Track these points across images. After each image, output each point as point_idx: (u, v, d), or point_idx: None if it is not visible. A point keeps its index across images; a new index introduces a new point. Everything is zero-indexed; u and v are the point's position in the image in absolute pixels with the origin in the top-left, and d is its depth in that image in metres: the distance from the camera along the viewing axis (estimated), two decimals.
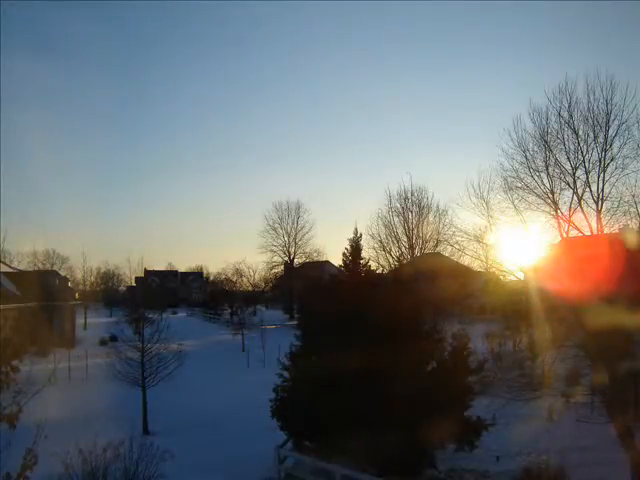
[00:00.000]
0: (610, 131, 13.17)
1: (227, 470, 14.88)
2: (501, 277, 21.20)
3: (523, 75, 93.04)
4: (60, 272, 58.11)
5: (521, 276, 15.33)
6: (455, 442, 14.18)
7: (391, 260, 38.86)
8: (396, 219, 39.93)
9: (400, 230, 39.62)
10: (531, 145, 14.09)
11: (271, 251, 65.24)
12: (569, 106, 13.48)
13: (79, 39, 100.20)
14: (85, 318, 59.19)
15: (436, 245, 38.72)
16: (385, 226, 39.76)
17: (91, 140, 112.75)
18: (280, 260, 65.88)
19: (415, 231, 39.43)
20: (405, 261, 38.34)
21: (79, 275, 72.68)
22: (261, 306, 71.76)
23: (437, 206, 39.17)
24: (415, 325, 14.75)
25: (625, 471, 12.37)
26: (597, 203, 13.09)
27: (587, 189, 13.25)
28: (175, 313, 71.80)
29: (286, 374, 15.54)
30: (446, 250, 35.93)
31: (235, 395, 24.78)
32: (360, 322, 13.68)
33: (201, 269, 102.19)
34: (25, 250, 64.61)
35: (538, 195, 13.79)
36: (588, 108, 13.35)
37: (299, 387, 14.98)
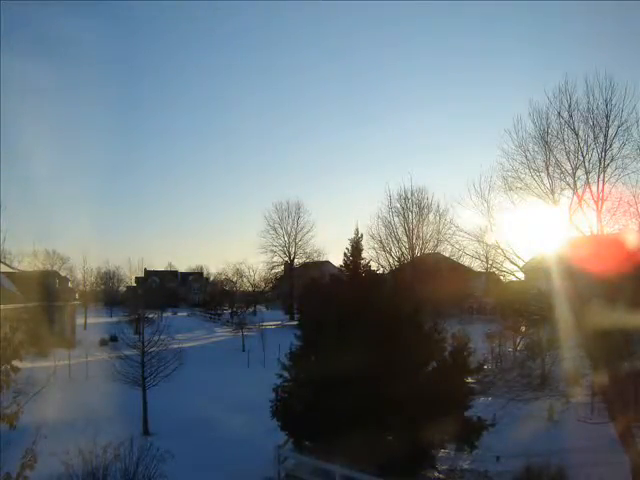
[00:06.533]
0: (610, 131, 13.17)
1: (227, 470, 14.89)
2: (501, 277, 21.22)
3: (524, 75, 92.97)
4: (60, 272, 58.08)
5: (521, 276, 15.34)
6: (455, 442, 14.17)
7: (391, 260, 38.98)
8: (396, 219, 40.03)
9: (400, 230, 39.70)
10: (531, 145, 14.09)
11: (271, 251, 65.36)
12: (569, 106, 13.48)
13: (79, 39, 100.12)
14: (85, 318, 59.16)
15: (436, 245, 38.83)
16: (385, 226, 39.86)
17: (91, 140, 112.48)
18: (280, 260, 65.96)
19: (415, 231, 39.49)
20: (405, 261, 38.37)
21: (79, 275, 72.66)
22: (261, 306, 71.83)
23: (437, 206, 39.23)
24: (415, 325, 14.74)
25: (625, 472, 12.37)
26: (597, 203, 13.08)
27: (587, 189, 13.25)
28: (175, 313, 71.86)
29: (286, 374, 15.52)
30: (446, 250, 36.04)
31: (235, 395, 24.76)
32: (360, 322, 13.67)
33: (201, 269, 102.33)
34: (25, 250, 64.48)
35: (538, 195, 13.80)
36: (588, 109, 13.35)
37: (299, 387, 14.98)
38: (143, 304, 49.81)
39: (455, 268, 32.72)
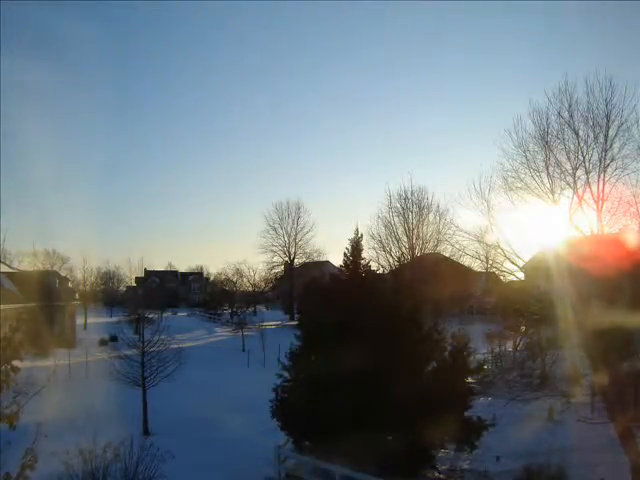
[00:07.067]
0: (610, 131, 13.17)
1: (227, 470, 14.89)
2: (501, 277, 21.23)
3: (524, 75, 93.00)
4: (60, 272, 58.09)
5: (521, 276, 15.34)
6: (455, 442, 14.17)
7: (391, 260, 38.85)
8: (396, 219, 39.88)
9: (400, 230, 39.57)
10: (531, 145, 14.10)
11: (271, 251, 65.29)
12: (569, 106, 13.49)
13: (79, 39, 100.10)
14: (85, 318, 59.17)
15: (436, 245, 38.69)
16: (385, 226, 39.72)
17: (91, 140, 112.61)
18: (280, 260, 65.90)
19: (415, 231, 39.36)
20: (405, 261, 38.31)
21: (79, 275, 72.63)
22: (261, 306, 71.83)
23: (437, 206, 39.07)
24: (415, 325, 14.75)
25: (625, 472, 12.37)
26: (597, 203, 13.08)
27: (587, 189, 13.25)
28: (175, 313, 71.84)
29: (286, 374, 15.53)
30: (446, 250, 35.97)
31: (235, 395, 24.78)
32: (360, 322, 13.68)
33: (201, 269, 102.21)
34: (25, 250, 64.49)
35: (538, 195, 13.80)
36: (588, 108, 13.35)
37: (299, 387, 14.98)
38: (143, 304, 49.77)
39: (455, 268, 32.70)
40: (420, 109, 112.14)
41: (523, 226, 14.75)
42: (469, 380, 15.26)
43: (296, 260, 65.50)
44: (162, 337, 21.55)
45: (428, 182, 79.57)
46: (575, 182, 13.34)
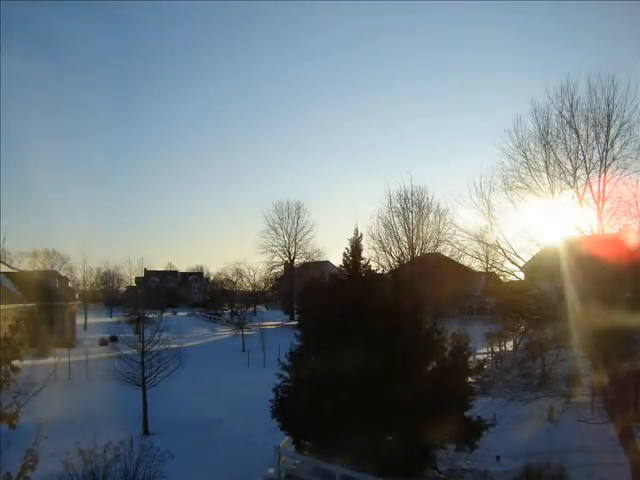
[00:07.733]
0: (611, 131, 13.16)
1: (227, 470, 14.88)
2: (501, 277, 21.19)
3: (525, 75, 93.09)
4: (60, 272, 58.11)
5: (521, 276, 15.31)
6: (455, 442, 14.15)
7: (391, 260, 38.85)
8: (396, 219, 39.90)
9: (400, 230, 39.59)
10: (532, 145, 14.09)
11: (271, 251, 65.36)
12: (570, 106, 13.48)
13: (79, 39, 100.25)
14: (85, 318, 59.16)
15: (436, 245, 38.71)
16: (385, 226, 39.74)
17: (91, 140, 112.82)
18: (280, 260, 65.94)
19: (415, 231, 39.37)
20: (405, 261, 38.29)
21: (79, 275, 72.73)
22: (261, 306, 71.91)
23: (437, 206, 39.08)
24: (415, 325, 14.73)
25: (625, 472, 12.35)
26: (598, 203, 13.07)
27: (588, 189, 13.23)
28: (175, 313, 71.85)
29: (286, 374, 15.51)
30: (446, 250, 35.98)
31: (235, 395, 24.76)
32: (360, 322, 13.66)
33: (201, 269, 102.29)
34: (25, 250, 64.63)
35: (538, 195, 13.78)
36: (589, 108, 13.35)
37: (299, 387, 14.96)
38: (143, 304, 49.78)
39: (455, 268, 32.68)
40: (420, 108, 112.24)
41: (523, 226, 14.72)
42: (469, 380, 15.25)
43: (296, 260, 65.59)
44: (162, 337, 21.55)
45: (428, 182, 79.72)
46: (575, 182, 13.33)
